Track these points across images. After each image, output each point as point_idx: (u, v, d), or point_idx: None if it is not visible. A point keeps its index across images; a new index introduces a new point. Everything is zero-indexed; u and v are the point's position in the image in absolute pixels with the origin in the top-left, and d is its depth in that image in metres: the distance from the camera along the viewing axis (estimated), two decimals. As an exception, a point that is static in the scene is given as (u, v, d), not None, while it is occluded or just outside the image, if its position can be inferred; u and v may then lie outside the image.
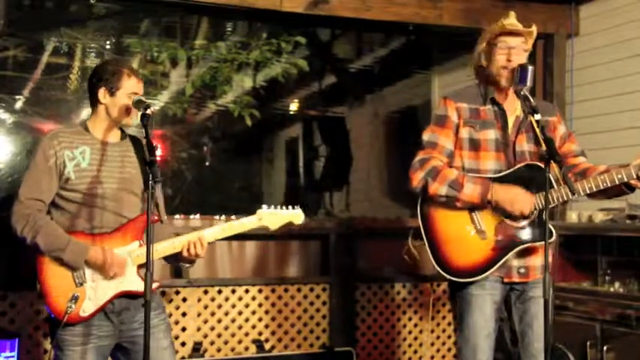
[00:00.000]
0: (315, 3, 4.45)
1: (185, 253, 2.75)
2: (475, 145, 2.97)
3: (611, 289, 4.14)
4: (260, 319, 4.43)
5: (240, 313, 4.38)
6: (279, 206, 2.89)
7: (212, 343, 4.31)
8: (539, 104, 2.86)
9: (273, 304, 4.46)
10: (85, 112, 4.86)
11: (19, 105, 4.88)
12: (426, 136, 3.03)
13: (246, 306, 4.40)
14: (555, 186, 2.85)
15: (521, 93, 2.80)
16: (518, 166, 2.94)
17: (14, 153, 4.78)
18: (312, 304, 4.56)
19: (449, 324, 4.84)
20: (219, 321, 4.33)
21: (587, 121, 4.86)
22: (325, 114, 6.26)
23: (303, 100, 6.30)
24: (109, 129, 2.80)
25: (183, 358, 4.20)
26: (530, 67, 2.83)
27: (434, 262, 2.98)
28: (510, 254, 2.90)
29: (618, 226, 4.14)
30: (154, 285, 2.70)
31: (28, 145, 4.78)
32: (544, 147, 2.63)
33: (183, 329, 4.25)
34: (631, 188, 2.87)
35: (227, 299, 4.36)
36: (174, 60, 5.38)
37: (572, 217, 4.52)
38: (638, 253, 4.17)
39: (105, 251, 2.66)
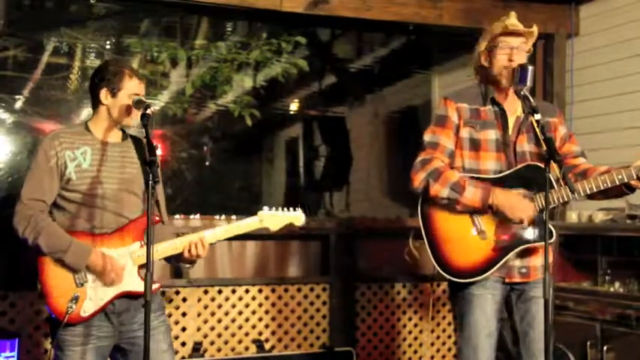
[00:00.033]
0: (315, 3, 4.45)
1: (186, 254, 2.76)
2: (475, 146, 2.98)
3: (611, 289, 4.14)
4: (260, 319, 4.43)
5: (240, 313, 4.38)
6: (280, 208, 2.89)
7: (212, 343, 4.31)
8: (540, 105, 2.87)
9: (273, 304, 4.46)
10: (85, 112, 4.87)
11: (19, 105, 4.88)
12: (427, 137, 3.04)
13: (247, 306, 4.40)
14: (556, 186, 2.86)
15: (522, 93, 2.80)
16: (519, 166, 2.94)
17: (14, 153, 4.78)
18: (312, 304, 4.56)
19: (449, 324, 4.84)
20: (220, 321, 4.33)
21: (587, 121, 4.86)
22: (325, 114, 6.26)
23: (303, 100, 6.30)
24: (110, 129, 2.81)
25: (183, 358, 4.20)
26: (530, 67, 2.83)
27: (434, 263, 2.98)
28: (511, 254, 2.90)
29: (618, 226, 4.14)
30: (155, 286, 2.70)
31: (28, 145, 4.78)
32: (544, 147, 2.64)
33: (183, 329, 4.25)
34: (631, 189, 2.87)
35: (227, 299, 4.36)
36: (174, 60, 5.37)
37: (572, 217, 4.52)
38: (638, 253, 4.17)
39: (105, 257, 2.66)
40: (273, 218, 2.87)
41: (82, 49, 5.10)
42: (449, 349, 4.83)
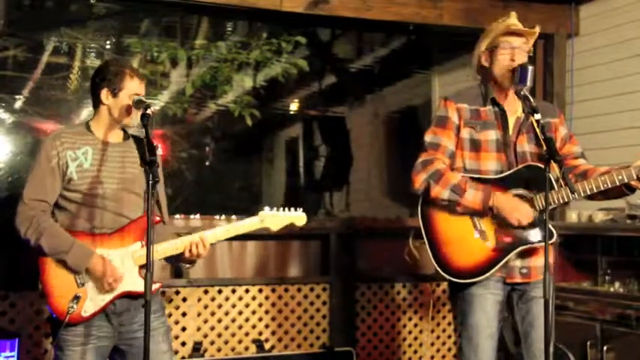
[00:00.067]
0: (316, 3, 4.45)
1: (187, 254, 2.76)
2: (476, 146, 2.98)
3: (611, 289, 4.14)
4: (260, 319, 4.43)
5: (240, 312, 4.38)
6: (281, 208, 2.89)
7: (212, 342, 4.31)
8: (540, 105, 2.87)
9: (273, 304, 4.46)
10: (85, 112, 4.87)
11: (19, 105, 4.88)
12: (427, 138, 3.03)
13: (247, 306, 4.40)
14: (556, 187, 2.86)
15: (522, 93, 2.81)
16: (520, 166, 2.94)
17: (14, 153, 4.78)
18: (312, 304, 4.56)
19: (449, 324, 4.84)
20: (220, 321, 4.33)
21: (587, 121, 4.86)
22: (325, 114, 6.26)
23: (303, 100, 6.30)
24: (111, 129, 2.81)
25: (183, 358, 4.20)
26: (530, 67, 2.83)
27: (434, 263, 2.98)
28: (511, 255, 2.90)
29: (618, 226, 4.14)
30: (156, 286, 2.71)
31: (28, 145, 4.78)
32: (544, 147, 2.64)
33: (184, 329, 4.25)
34: (631, 189, 2.87)
35: (227, 299, 4.36)
36: (175, 60, 5.37)
37: (572, 216, 4.52)
38: (638, 253, 4.18)
39: (106, 263, 2.66)
40: (275, 218, 2.87)
41: (82, 49, 5.10)
42: (449, 349, 4.83)
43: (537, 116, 2.72)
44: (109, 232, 2.72)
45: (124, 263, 2.71)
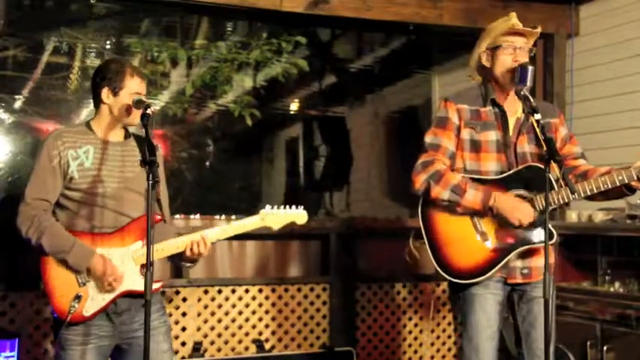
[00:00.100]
0: (316, 3, 4.45)
1: (188, 253, 2.76)
2: (476, 147, 2.98)
3: (611, 289, 4.14)
4: (260, 319, 4.43)
5: (240, 312, 4.38)
6: (281, 206, 2.88)
7: (212, 342, 4.31)
8: (540, 105, 2.87)
9: (273, 304, 4.46)
10: (85, 111, 4.87)
11: (19, 105, 4.87)
12: (428, 139, 3.04)
13: (247, 306, 4.40)
14: (556, 187, 2.86)
15: (522, 93, 2.81)
16: (520, 167, 2.94)
17: (14, 153, 4.77)
18: (312, 304, 4.56)
19: (449, 324, 4.84)
20: (220, 321, 4.33)
21: (587, 121, 4.86)
22: (325, 114, 6.25)
23: (303, 100, 6.30)
24: (112, 128, 2.81)
25: (183, 357, 4.20)
26: (530, 67, 2.83)
27: (435, 263, 2.98)
28: (511, 255, 2.90)
29: (618, 226, 4.14)
30: (158, 285, 2.71)
31: (28, 145, 4.78)
32: (545, 147, 2.64)
33: (183, 329, 4.25)
34: (631, 190, 2.87)
35: (227, 299, 4.36)
36: (175, 60, 5.37)
37: (572, 216, 4.52)
38: (638, 253, 4.18)
39: (106, 263, 2.67)
40: (275, 217, 2.86)
41: (82, 49, 5.09)
42: (449, 349, 4.83)
43: (537, 116, 2.72)
44: (109, 231, 2.72)
45: (125, 262, 2.71)
